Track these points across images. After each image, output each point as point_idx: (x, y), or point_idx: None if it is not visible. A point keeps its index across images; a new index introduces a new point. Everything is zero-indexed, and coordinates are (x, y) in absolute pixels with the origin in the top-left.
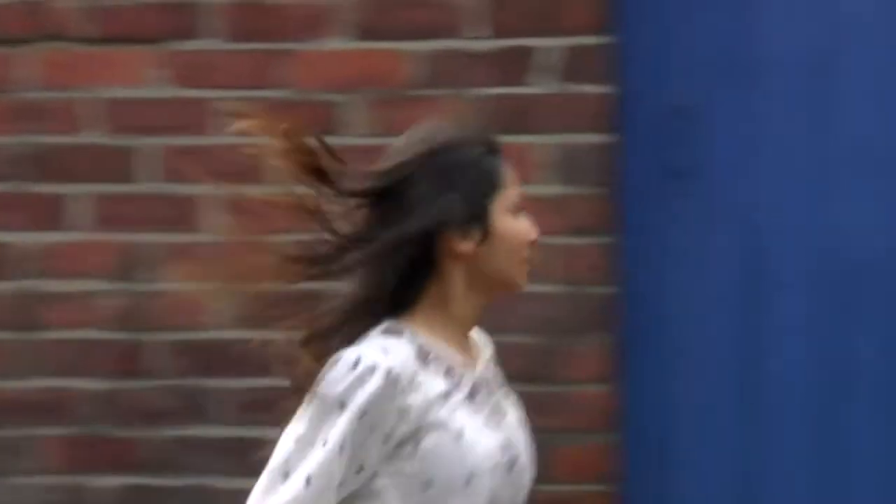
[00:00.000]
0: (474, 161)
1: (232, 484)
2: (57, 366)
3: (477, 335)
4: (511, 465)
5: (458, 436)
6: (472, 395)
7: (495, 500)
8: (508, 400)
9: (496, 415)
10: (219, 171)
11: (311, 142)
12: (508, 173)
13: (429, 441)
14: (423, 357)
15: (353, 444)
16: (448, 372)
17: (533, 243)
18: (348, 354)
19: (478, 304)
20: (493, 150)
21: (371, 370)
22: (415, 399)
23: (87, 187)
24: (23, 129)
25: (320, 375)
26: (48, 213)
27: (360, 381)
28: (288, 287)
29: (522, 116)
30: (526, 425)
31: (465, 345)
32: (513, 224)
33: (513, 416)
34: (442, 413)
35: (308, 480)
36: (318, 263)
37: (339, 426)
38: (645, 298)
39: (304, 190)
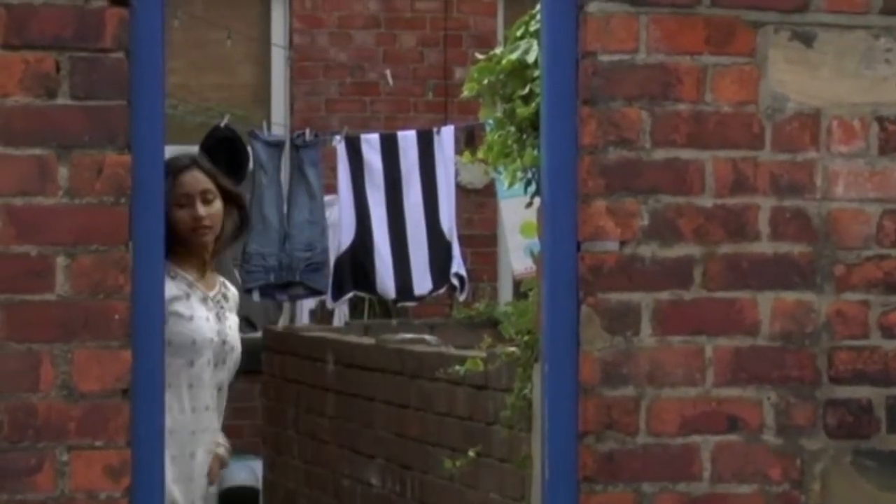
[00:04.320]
0: (168, 171)
1: None
2: None
3: (223, 282)
4: (222, 342)
5: (190, 318)
6: (204, 300)
7: (214, 358)
8: (232, 315)
9: (220, 317)
10: None
11: None
12: (184, 180)
13: (170, 319)
14: (173, 275)
15: None
16: (189, 284)
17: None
18: None
19: (190, 252)
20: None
21: None
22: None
23: None
24: None
25: None
26: None
27: None
28: None
29: None
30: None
31: (205, 277)
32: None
33: (231, 321)
34: (180, 306)
35: None
36: None
37: None
38: None
39: None
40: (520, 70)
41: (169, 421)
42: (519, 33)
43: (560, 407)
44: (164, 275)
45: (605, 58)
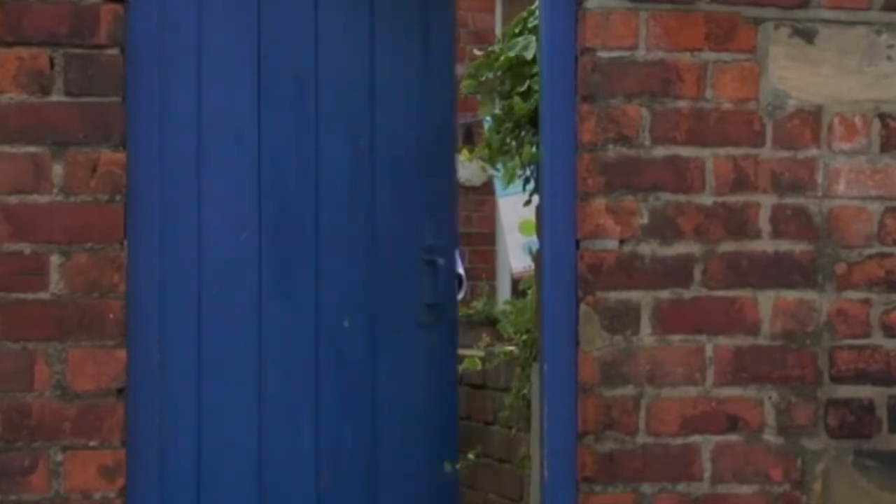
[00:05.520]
0: None
1: None
2: None
3: None
4: None
5: None
6: None
7: None
8: None
9: None
10: None
11: None
12: None
13: None
14: None
15: None
16: None
17: None
18: None
19: None
20: None
21: None
22: None
23: None
24: None
25: None
26: None
27: None
28: None
29: None
30: None
31: None
32: None
33: None
34: None
35: None
36: None
37: None
38: None
39: None
40: (518, 66)
41: None
42: (517, 29)
43: (559, 407)
44: (159, 274)
45: (604, 54)
